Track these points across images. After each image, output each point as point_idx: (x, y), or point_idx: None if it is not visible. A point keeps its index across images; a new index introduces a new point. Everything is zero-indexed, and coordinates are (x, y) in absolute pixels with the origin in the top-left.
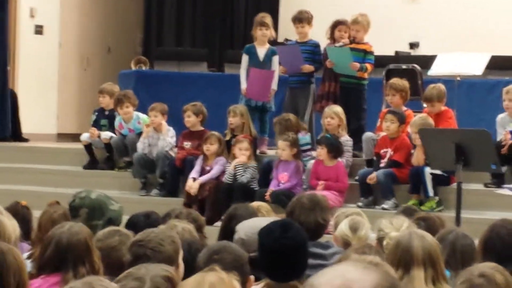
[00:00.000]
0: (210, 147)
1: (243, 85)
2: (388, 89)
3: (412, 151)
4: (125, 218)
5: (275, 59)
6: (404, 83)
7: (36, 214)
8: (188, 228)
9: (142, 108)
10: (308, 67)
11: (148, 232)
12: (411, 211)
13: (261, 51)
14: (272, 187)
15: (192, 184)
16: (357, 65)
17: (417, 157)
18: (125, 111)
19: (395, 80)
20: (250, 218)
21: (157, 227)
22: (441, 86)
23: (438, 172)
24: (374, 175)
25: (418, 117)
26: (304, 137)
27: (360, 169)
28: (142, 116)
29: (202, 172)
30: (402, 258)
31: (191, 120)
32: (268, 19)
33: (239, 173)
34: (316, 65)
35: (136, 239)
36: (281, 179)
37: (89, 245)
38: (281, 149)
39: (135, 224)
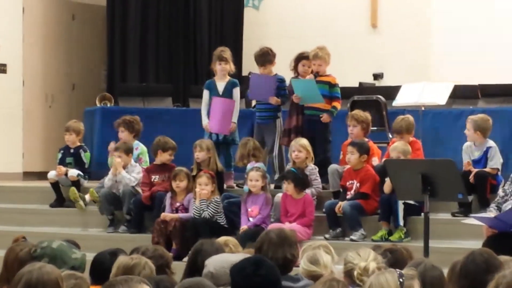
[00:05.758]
0: (180, 184)
1: (204, 121)
2: (350, 119)
3: (386, 179)
4: (92, 256)
5: (236, 91)
6: (366, 115)
7: (2, 253)
8: (150, 265)
9: (106, 143)
10: (275, 99)
11: None
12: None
13: (221, 85)
14: (244, 224)
15: (169, 214)
16: (327, 117)
17: (390, 185)
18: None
19: (357, 111)
20: (216, 253)
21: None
22: (410, 118)
23: (411, 202)
24: (340, 204)
25: (399, 142)
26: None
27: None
28: (142, 146)
29: (171, 208)
30: None
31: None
32: (227, 53)
33: (202, 209)
34: (282, 98)
35: None
36: (252, 213)
37: (60, 286)
38: (254, 180)
39: (101, 263)
